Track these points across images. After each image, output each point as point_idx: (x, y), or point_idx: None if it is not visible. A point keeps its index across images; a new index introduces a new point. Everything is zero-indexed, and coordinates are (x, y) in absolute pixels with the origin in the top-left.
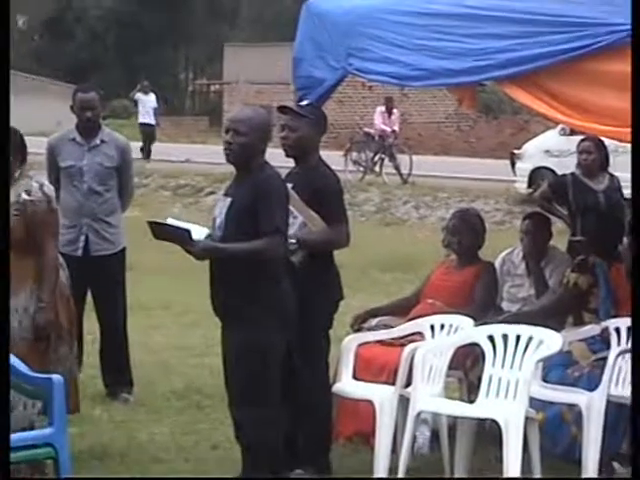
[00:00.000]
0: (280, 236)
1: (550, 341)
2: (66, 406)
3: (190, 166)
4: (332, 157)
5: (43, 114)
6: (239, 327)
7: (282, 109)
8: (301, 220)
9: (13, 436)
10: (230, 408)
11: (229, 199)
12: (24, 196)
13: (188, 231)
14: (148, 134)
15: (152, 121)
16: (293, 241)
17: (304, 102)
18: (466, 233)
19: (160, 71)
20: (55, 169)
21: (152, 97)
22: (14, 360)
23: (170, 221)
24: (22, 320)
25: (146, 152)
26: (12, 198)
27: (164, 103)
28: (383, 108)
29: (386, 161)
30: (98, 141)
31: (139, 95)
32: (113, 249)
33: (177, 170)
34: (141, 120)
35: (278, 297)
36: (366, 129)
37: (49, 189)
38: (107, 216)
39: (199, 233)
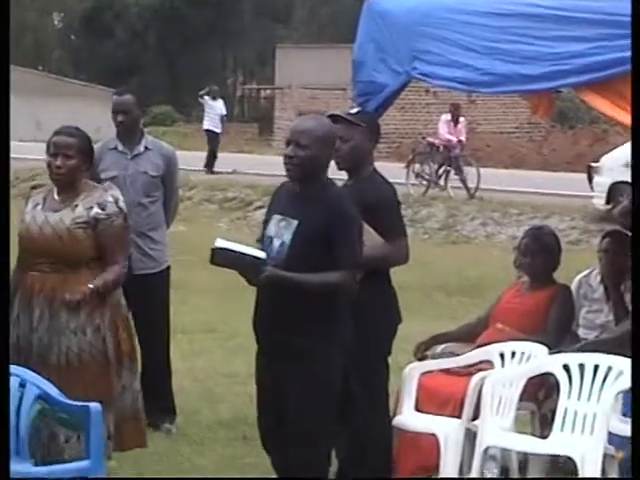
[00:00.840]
0: (357, 270)
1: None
2: (132, 440)
3: (238, 177)
4: (392, 169)
5: (81, 120)
6: (294, 361)
7: (334, 118)
8: None
9: (47, 469)
10: (270, 446)
11: (294, 221)
12: (97, 211)
13: (263, 260)
14: (212, 142)
15: (218, 129)
16: None
17: (354, 110)
18: (539, 253)
19: (206, 74)
20: (96, 180)
21: (220, 103)
22: (48, 385)
23: (232, 245)
24: (80, 342)
25: (208, 162)
26: (80, 210)
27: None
28: (449, 116)
29: (452, 174)
30: (142, 149)
31: (207, 100)
32: (157, 267)
33: (224, 182)
34: (206, 126)
35: (340, 328)
36: (430, 139)
37: (124, 204)
38: (151, 231)
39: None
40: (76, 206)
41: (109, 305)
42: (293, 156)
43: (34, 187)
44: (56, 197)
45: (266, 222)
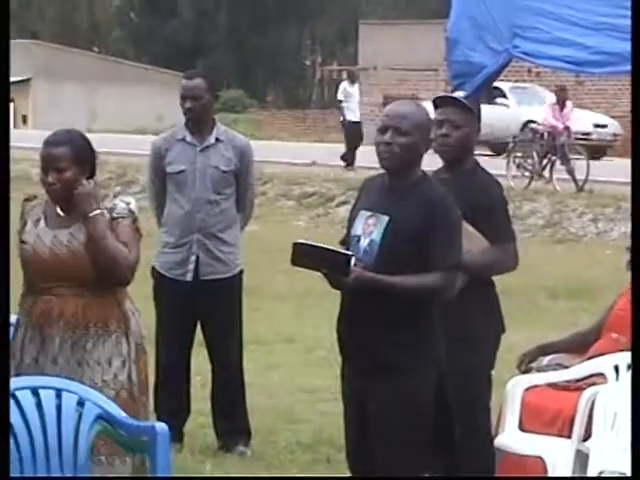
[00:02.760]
0: (458, 273)
1: None
2: None
3: (318, 170)
4: (490, 160)
5: (142, 107)
6: (382, 375)
7: (442, 101)
8: None
9: None
10: (357, 470)
11: (385, 217)
12: (105, 215)
13: (349, 256)
14: (353, 135)
15: (358, 118)
16: None
17: (460, 93)
18: None
19: (281, 55)
20: (161, 175)
21: (357, 88)
22: (109, 404)
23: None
24: (104, 375)
25: (350, 158)
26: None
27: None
28: (554, 99)
29: (557, 164)
30: (212, 140)
31: (345, 85)
32: (228, 272)
33: (302, 175)
34: (348, 117)
35: (434, 339)
36: (533, 125)
37: (136, 208)
38: (222, 231)
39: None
40: None
41: (134, 334)
42: (392, 143)
43: (27, 199)
44: (60, 212)
45: (352, 220)
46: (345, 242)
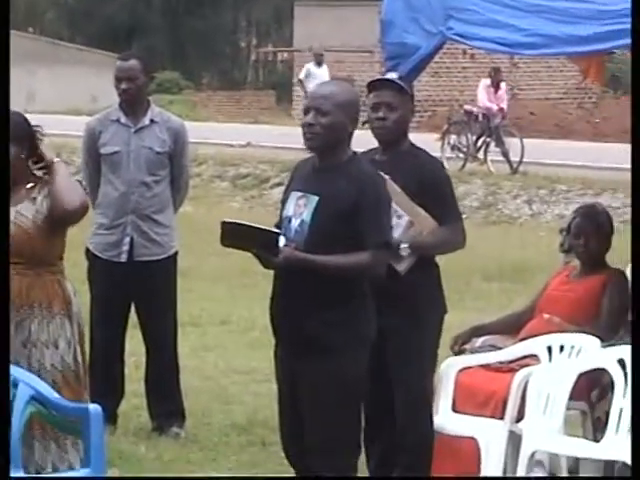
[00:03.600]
0: (389, 250)
1: None
2: None
3: (253, 151)
4: (425, 141)
5: (77, 88)
6: (314, 355)
7: (377, 84)
8: (407, 219)
9: (43, 478)
10: (292, 453)
11: (315, 197)
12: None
13: (277, 234)
14: None
15: None
16: (405, 246)
17: (393, 75)
18: (590, 234)
19: (216, 37)
20: (95, 156)
21: (325, 70)
22: (42, 385)
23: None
24: (53, 357)
25: None
26: (40, 201)
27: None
28: (488, 81)
29: (492, 146)
30: (147, 121)
31: (310, 67)
32: (163, 253)
33: (236, 156)
34: None
35: (366, 319)
36: (467, 107)
37: (84, 183)
38: (156, 213)
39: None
40: (34, 199)
41: (76, 315)
42: (313, 124)
43: None
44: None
45: (284, 202)
46: (278, 224)
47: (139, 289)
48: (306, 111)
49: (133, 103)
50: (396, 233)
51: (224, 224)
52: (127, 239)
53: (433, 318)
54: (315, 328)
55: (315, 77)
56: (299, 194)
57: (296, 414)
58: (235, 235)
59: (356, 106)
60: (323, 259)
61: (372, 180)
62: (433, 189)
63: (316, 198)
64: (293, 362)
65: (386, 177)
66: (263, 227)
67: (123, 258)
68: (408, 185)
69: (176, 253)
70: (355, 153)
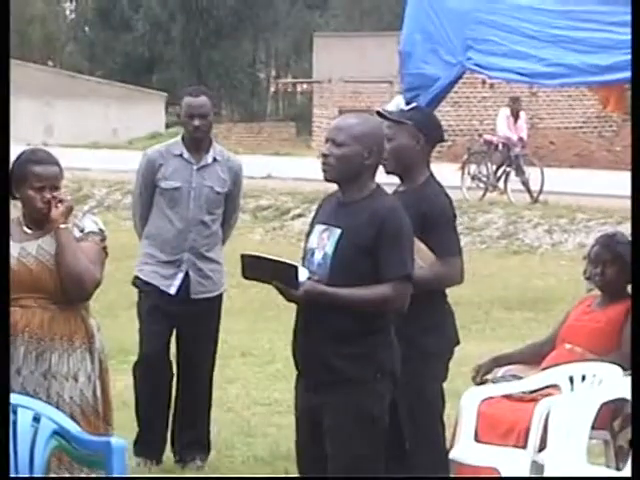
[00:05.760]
0: (409, 284)
1: None
2: None
3: (273, 183)
4: (445, 171)
5: (96, 122)
6: (337, 390)
7: (377, 114)
8: None
9: None
10: None
11: (337, 230)
12: (76, 232)
13: (295, 268)
14: None
15: None
16: None
17: (407, 106)
18: (612, 263)
19: (236, 68)
20: (150, 188)
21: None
22: (65, 419)
23: (265, 255)
24: (72, 389)
25: None
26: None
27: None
28: (508, 111)
29: (512, 175)
30: (210, 159)
31: (400, 101)
32: (216, 290)
33: (257, 188)
34: None
35: (390, 353)
36: (487, 136)
37: (103, 226)
38: (209, 251)
39: (300, 273)
40: None
41: (97, 350)
42: (328, 155)
43: None
44: (26, 230)
45: (308, 234)
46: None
47: (187, 323)
48: (325, 142)
49: (203, 140)
50: None
51: (244, 257)
52: (181, 275)
53: (439, 351)
54: (336, 361)
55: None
56: (323, 227)
57: (316, 447)
58: (255, 268)
59: (376, 138)
60: (344, 292)
61: (392, 212)
62: (431, 223)
63: (338, 231)
64: (314, 395)
65: None
66: (282, 260)
67: (173, 291)
68: (412, 217)
69: (224, 290)
70: (379, 186)
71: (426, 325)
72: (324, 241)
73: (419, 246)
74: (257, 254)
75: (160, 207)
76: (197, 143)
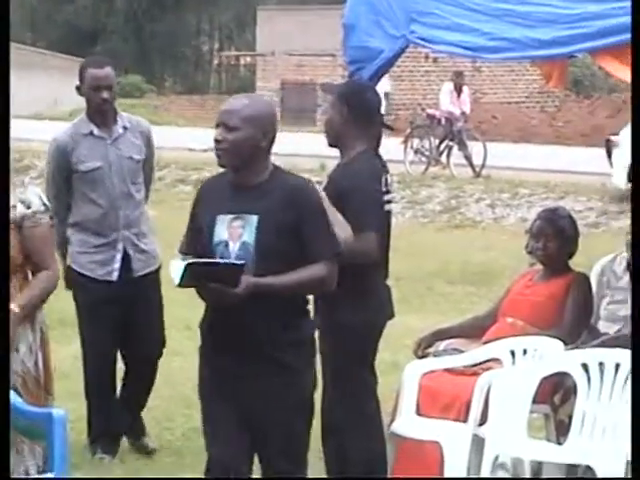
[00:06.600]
0: (338, 260)
1: None
2: None
3: (214, 156)
4: (388, 145)
5: (39, 92)
6: (273, 370)
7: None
8: None
9: None
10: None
11: (253, 217)
12: (22, 209)
13: (242, 265)
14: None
15: (383, 109)
16: None
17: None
18: (553, 237)
19: (179, 41)
20: (65, 174)
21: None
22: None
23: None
24: (13, 362)
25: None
26: None
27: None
28: (451, 85)
29: (455, 149)
30: (120, 130)
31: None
32: (156, 263)
33: (200, 160)
34: None
35: (312, 329)
36: (430, 111)
37: (46, 200)
38: (142, 224)
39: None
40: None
41: (39, 321)
42: (221, 140)
43: None
44: None
45: (208, 226)
46: (187, 251)
47: (132, 304)
48: (216, 126)
49: (110, 112)
50: None
51: (189, 266)
52: (118, 256)
53: (359, 327)
54: (273, 348)
55: None
56: (230, 216)
57: (242, 431)
58: (196, 274)
59: (268, 118)
60: (280, 280)
61: (307, 191)
62: (347, 198)
63: (255, 217)
64: (246, 381)
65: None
66: (226, 261)
67: (114, 276)
68: (332, 193)
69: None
70: (276, 166)
71: (349, 300)
72: (238, 230)
73: (340, 220)
74: (199, 260)
75: (82, 191)
76: (105, 116)
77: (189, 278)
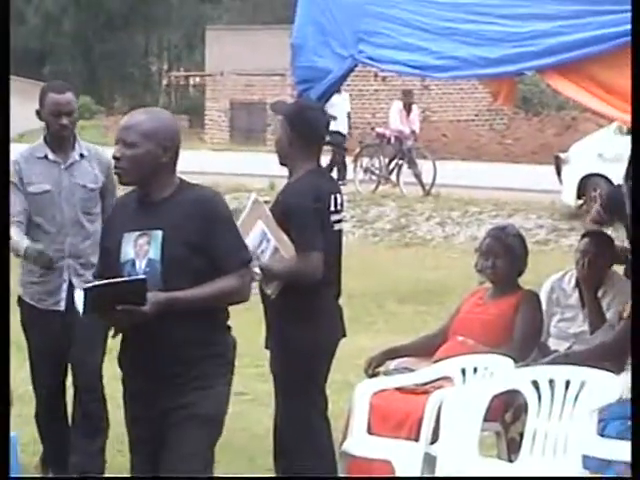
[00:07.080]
0: (250, 270)
1: (607, 387)
2: None
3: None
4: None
5: None
6: (189, 390)
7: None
8: (273, 245)
9: None
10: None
11: (157, 232)
12: None
13: (143, 280)
14: (339, 148)
15: (345, 129)
16: (257, 270)
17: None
18: (502, 255)
19: (128, 61)
20: (20, 196)
21: (346, 97)
22: None
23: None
24: None
25: (340, 172)
26: None
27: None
28: (400, 104)
29: (404, 168)
30: (77, 156)
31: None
32: None
33: None
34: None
35: (230, 345)
36: (379, 129)
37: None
38: (92, 255)
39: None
40: None
41: None
42: (119, 157)
43: None
44: None
45: (115, 246)
46: (104, 274)
47: (72, 336)
48: (116, 143)
49: (68, 138)
50: (264, 257)
51: (88, 291)
52: (64, 285)
53: (313, 343)
54: (186, 365)
55: (335, 104)
56: (136, 234)
57: (153, 453)
58: (99, 298)
59: (168, 133)
60: (191, 293)
61: (214, 202)
62: (290, 217)
63: (159, 233)
64: (157, 402)
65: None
66: (127, 279)
67: (61, 306)
68: (276, 212)
69: None
70: (181, 180)
71: (298, 319)
72: (144, 247)
73: (284, 239)
74: (99, 282)
75: (33, 214)
76: (63, 142)
77: (93, 303)
